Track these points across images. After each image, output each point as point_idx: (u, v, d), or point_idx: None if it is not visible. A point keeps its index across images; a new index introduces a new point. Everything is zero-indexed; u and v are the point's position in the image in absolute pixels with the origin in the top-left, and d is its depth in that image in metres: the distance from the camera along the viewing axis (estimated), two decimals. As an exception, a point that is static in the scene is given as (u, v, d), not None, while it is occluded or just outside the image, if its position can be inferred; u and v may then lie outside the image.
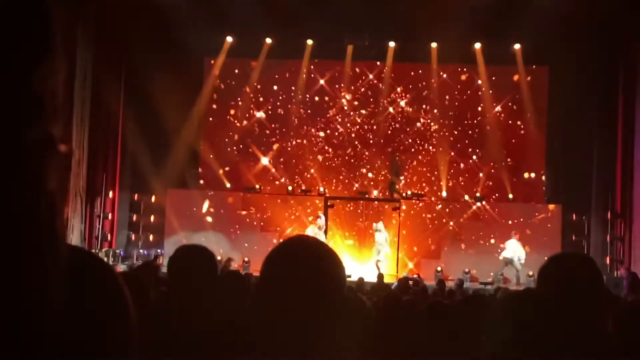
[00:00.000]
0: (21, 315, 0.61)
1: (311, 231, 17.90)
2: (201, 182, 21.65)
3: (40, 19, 0.62)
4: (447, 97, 21.51)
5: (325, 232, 18.85)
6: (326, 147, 21.78)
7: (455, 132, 21.52)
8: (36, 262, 0.61)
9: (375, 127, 21.75)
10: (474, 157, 21.44)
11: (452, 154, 21.42)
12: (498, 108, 21.31)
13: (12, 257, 0.59)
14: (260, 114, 21.98)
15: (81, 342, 0.73)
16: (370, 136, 21.72)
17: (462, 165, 21.45)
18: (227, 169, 21.76)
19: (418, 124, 21.65)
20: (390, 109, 21.75)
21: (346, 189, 21.52)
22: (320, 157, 21.74)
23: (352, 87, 21.87)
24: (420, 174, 21.51)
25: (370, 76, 21.85)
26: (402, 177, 20.61)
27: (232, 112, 21.95)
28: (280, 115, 21.97)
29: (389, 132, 21.69)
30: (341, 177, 21.68)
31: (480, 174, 21.23)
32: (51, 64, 0.63)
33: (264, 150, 21.82)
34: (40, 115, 0.61)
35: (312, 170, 21.65)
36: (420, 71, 21.58)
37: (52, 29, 0.64)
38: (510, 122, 21.36)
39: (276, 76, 21.94)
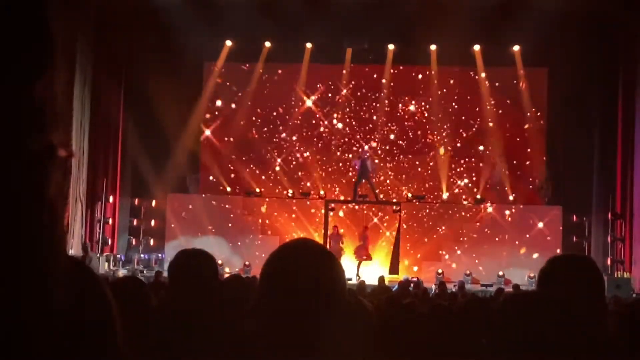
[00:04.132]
0: (21, 322, 0.61)
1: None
2: (201, 186, 21.63)
3: (41, 29, 0.62)
4: (446, 99, 21.50)
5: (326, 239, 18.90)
6: (325, 150, 21.75)
7: (455, 134, 21.50)
8: (36, 269, 0.61)
9: (374, 129, 21.73)
10: (474, 159, 21.42)
11: (452, 156, 21.41)
12: (497, 110, 21.30)
13: (13, 264, 0.59)
14: (259, 118, 21.96)
15: (65, 350, 0.73)
16: (369, 137, 21.68)
17: (462, 167, 21.43)
18: (227, 173, 21.74)
19: (418, 126, 21.63)
20: (389, 111, 21.73)
21: (346, 192, 21.47)
22: (319, 160, 21.72)
23: (352, 90, 21.84)
24: (421, 176, 21.49)
25: (370, 78, 21.83)
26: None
27: (231, 116, 21.92)
28: (280, 118, 21.95)
29: (389, 134, 21.67)
30: (343, 181, 21.63)
31: (481, 176, 21.20)
32: (52, 73, 0.63)
33: (264, 154, 21.79)
34: (41, 125, 0.62)
35: (312, 173, 21.62)
36: (419, 73, 21.58)
37: (53, 38, 0.64)
38: (509, 124, 21.32)
39: (275, 79, 21.93)
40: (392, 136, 21.67)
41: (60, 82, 0.65)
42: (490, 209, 20.13)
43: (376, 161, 20.94)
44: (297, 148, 21.82)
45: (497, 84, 21.28)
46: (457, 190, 21.29)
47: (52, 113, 0.63)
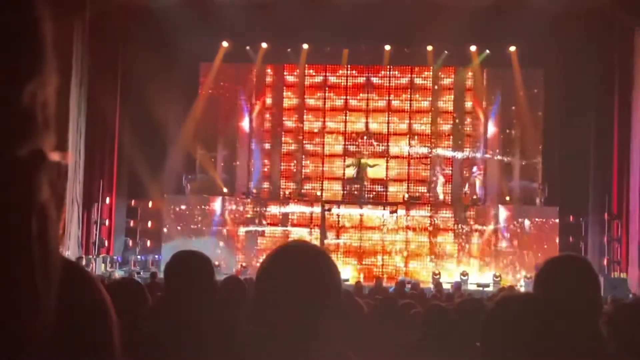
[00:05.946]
0: (11, 331, 0.60)
1: None
2: (198, 187, 21.60)
3: (30, 30, 0.61)
4: (442, 99, 21.51)
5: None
6: (323, 151, 21.73)
7: (451, 135, 21.51)
8: (27, 275, 0.61)
9: (371, 129, 21.71)
10: (471, 159, 21.41)
11: (448, 156, 21.40)
12: (494, 110, 21.31)
13: (3, 270, 0.58)
14: (255, 119, 21.93)
15: (61, 353, 0.73)
16: (367, 138, 21.67)
17: (458, 167, 21.44)
18: (223, 173, 21.72)
19: (414, 127, 21.61)
20: (387, 111, 21.72)
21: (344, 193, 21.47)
22: (317, 161, 21.69)
23: (348, 91, 21.81)
24: (417, 177, 21.48)
25: (366, 79, 21.80)
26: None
27: (228, 117, 21.90)
28: (276, 119, 21.93)
29: (385, 134, 21.64)
30: (339, 181, 21.62)
31: (477, 176, 21.20)
32: (42, 76, 0.62)
33: (260, 155, 21.77)
34: (30, 130, 0.61)
35: (309, 174, 21.59)
36: (415, 74, 21.56)
37: (42, 40, 0.62)
38: (506, 124, 21.35)
39: (271, 80, 21.92)
40: (388, 136, 21.65)
41: (53, 85, 0.63)
42: (486, 210, 20.14)
43: (370, 162, 20.92)
44: (293, 148, 21.79)
45: (493, 85, 21.30)
46: (454, 191, 21.28)
47: (43, 116, 0.62)
